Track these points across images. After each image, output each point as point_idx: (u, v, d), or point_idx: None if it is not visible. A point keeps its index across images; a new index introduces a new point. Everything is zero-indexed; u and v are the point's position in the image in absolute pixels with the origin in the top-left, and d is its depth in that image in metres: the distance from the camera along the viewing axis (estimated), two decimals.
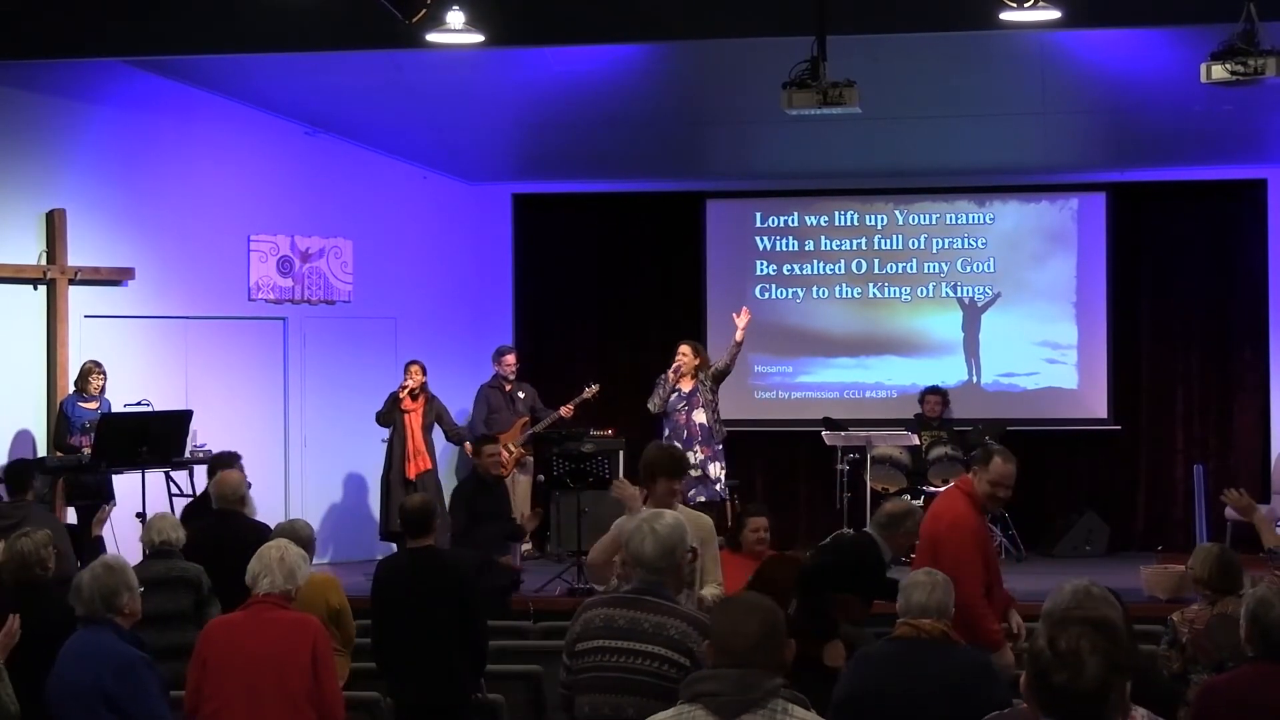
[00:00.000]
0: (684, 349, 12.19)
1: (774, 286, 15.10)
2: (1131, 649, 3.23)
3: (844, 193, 14.97)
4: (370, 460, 13.65)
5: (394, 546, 13.28)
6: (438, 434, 13.47)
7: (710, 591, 6.78)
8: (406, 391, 13.16)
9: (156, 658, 6.29)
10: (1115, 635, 3.14)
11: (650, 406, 12.17)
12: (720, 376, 12.22)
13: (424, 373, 13.24)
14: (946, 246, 14.87)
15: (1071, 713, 3.09)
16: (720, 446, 12.05)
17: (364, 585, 11.21)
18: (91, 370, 12.11)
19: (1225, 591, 6.78)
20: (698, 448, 11.75)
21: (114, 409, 12.11)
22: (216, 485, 9.07)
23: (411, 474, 13.10)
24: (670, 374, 12.11)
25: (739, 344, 12.20)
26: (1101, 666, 3.08)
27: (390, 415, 13.20)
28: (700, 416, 12.01)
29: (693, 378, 12.12)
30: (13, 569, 7.06)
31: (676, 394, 12.09)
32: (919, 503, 9.72)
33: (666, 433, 12.11)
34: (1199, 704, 5.46)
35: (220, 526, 8.54)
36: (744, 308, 12.49)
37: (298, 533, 7.62)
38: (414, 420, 13.17)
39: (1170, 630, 6.90)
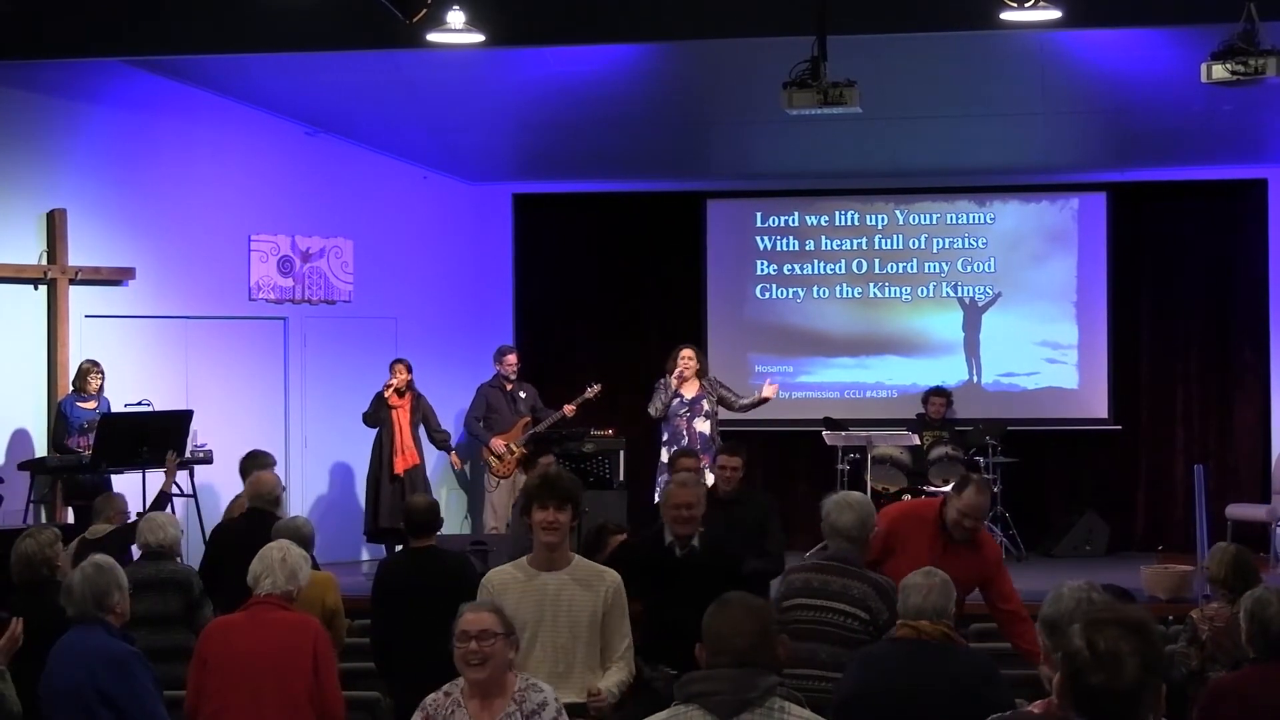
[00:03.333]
0: (687, 353, 12.18)
1: (774, 286, 15.09)
2: (1164, 651, 3.25)
3: (844, 193, 14.97)
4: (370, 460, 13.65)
5: (381, 546, 13.32)
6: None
7: (615, 679, 5.85)
8: (392, 390, 13.20)
9: (148, 659, 6.29)
10: (1152, 636, 3.16)
11: (651, 411, 12.16)
12: (724, 404, 12.25)
13: (409, 370, 13.29)
14: (947, 246, 14.87)
15: (1107, 713, 3.11)
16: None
17: (363, 585, 11.27)
18: (89, 370, 12.10)
19: (1242, 591, 6.81)
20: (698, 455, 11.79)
21: (114, 409, 12.10)
22: (253, 485, 9.11)
23: (399, 469, 13.14)
24: (673, 379, 12.10)
25: (760, 403, 12.30)
26: (1139, 667, 3.11)
27: (377, 415, 13.23)
28: (702, 425, 12.01)
29: (695, 382, 12.11)
30: (19, 569, 7.07)
31: (678, 399, 12.08)
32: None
33: (665, 436, 12.11)
34: (1206, 704, 5.47)
35: (254, 526, 8.51)
36: (775, 385, 12.49)
37: (299, 531, 7.62)
38: (402, 417, 13.21)
39: (1189, 628, 6.94)
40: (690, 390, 12.09)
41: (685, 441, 11.87)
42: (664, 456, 12.08)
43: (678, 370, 12.08)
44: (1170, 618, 8.86)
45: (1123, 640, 3.12)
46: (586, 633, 5.82)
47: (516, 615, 5.57)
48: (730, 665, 3.85)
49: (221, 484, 12.42)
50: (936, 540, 7.25)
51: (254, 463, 9.94)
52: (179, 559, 8.43)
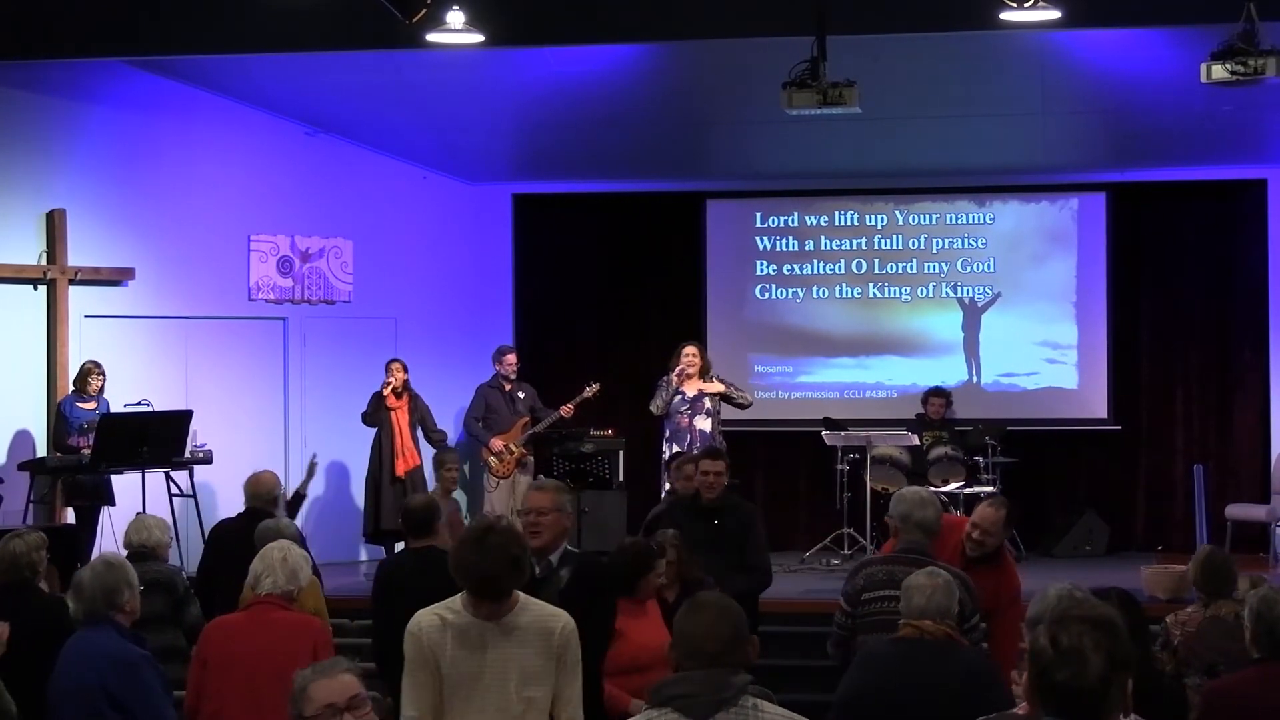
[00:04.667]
0: (690, 350, 12.18)
1: (774, 286, 15.09)
2: (1131, 647, 3.24)
3: (844, 193, 14.96)
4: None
5: (380, 547, 13.30)
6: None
7: None
8: (390, 390, 13.19)
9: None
10: (1116, 632, 3.16)
11: (652, 409, 12.17)
12: (729, 401, 12.23)
13: (405, 370, 13.29)
14: (946, 246, 14.87)
15: (1074, 710, 3.11)
16: None
17: (362, 585, 11.28)
18: (90, 370, 12.10)
19: (1217, 594, 6.79)
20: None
21: (113, 409, 12.10)
22: (251, 485, 9.11)
23: (400, 471, 13.13)
24: (674, 376, 12.09)
25: (723, 396, 12.22)
26: (1104, 663, 3.10)
27: (376, 415, 13.23)
28: (703, 423, 12.00)
29: (698, 380, 12.11)
30: (3, 570, 7.05)
31: (680, 397, 12.07)
32: None
33: (667, 434, 12.12)
34: (1205, 706, 5.46)
35: (250, 526, 8.50)
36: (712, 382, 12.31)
37: (281, 534, 7.59)
38: (400, 418, 13.20)
39: (1163, 632, 6.89)
40: (692, 388, 12.08)
41: (688, 440, 11.86)
42: (666, 454, 12.08)
43: (680, 367, 12.08)
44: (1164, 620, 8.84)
45: (1086, 636, 3.12)
46: (537, 690, 4.87)
47: (451, 672, 4.83)
48: (702, 666, 3.86)
49: (221, 484, 12.42)
50: (958, 557, 7.20)
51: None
52: (169, 561, 8.43)
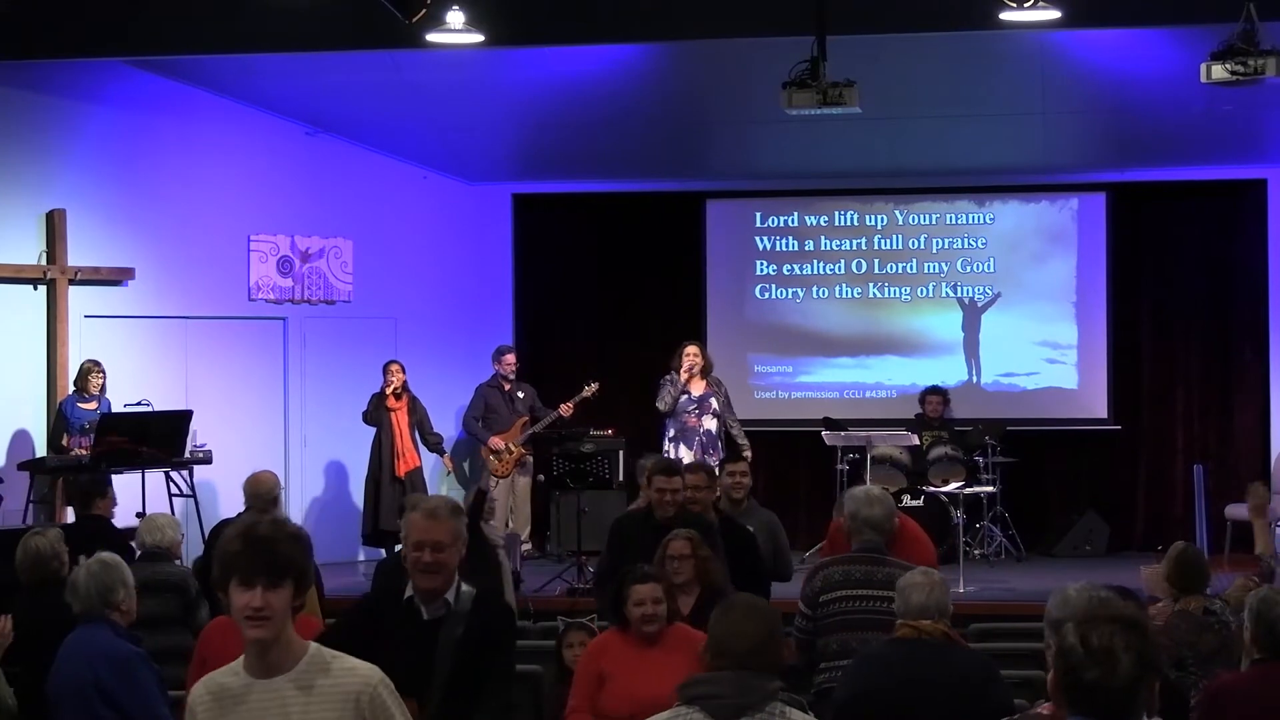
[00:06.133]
0: (692, 350, 12.19)
1: (774, 286, 15.09)
2: (1159, 648, 3.23)
3: (844, 193, 14.97)
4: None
5: (379, 549, 13.30)
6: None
7: None
8: (392, 390, 13.21)
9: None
10: (1146, 633, 3.16)
11: (660, 406, 12.17)
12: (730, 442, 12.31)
13: (403, 371, 13.31)
14: (946, 246, 14.87)
15: (1101, 710, 3.10)
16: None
17: (361, 586, 11.28)
18: (90, 370, 12.10)
19: (1187, 590, 6.83)
20: (702, 454, 11.77)
21: (114, 409, 12.10)
22: (251, 485, 9.13)
23: (400, 472, 13.15)
24: (682, 374, 12.10)
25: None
26: (1134, 664, 3.10)
27: (376, 414, 13.24)
28: (710, 424, 12.02)
29: (702, 380, 12.12)
30: (27, 567, 7.07)
31: (686, 396, 12.08)
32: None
33: (672, 433, 12.12)
34: (1206, 705, 5.46)
35: None
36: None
37: None
38: (400, 418, 13.23)
39: None
40: (697, 388, 12.10)
41: (695, 440, 11.88)
42: (669, 453, 12.09)
43: (685, 366, 12.08)
44: None
45: (1116, 636, 3.12)
46: None
47: None
48: (732, 668, 3.84)
49: (221, 484, 12.41)
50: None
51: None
52: (179, 561, 8.43)
